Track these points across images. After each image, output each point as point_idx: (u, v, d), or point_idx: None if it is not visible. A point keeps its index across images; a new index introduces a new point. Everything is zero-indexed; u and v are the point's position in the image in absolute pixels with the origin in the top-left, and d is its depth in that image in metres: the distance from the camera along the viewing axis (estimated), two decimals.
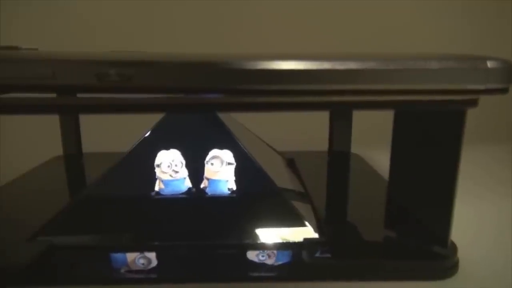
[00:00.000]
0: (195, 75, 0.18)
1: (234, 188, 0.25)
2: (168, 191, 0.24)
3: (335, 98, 0.18)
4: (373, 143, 0.39)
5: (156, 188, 0.24)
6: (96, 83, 0.18)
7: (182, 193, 0.24)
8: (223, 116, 0.26)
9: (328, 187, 0.32)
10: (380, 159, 0.36)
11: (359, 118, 0.37)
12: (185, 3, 0.52)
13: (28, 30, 0.51)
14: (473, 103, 0.19)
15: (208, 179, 0.24)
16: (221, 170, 0.24)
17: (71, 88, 0.19)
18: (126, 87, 0.18)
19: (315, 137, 0.39)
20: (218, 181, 0.24)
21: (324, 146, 0.39)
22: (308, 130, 0.41)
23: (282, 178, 0.28)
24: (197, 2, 0.52)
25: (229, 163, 0.25)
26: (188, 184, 0.24)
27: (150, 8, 0.52)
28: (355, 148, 0.39)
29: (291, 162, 0.35)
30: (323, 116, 0.37)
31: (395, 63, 0.17)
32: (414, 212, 0.22)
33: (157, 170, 0.24)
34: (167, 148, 0.25)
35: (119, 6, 0.52)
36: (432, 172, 0.21)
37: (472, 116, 0.20)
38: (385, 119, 0.30)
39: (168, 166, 0.24)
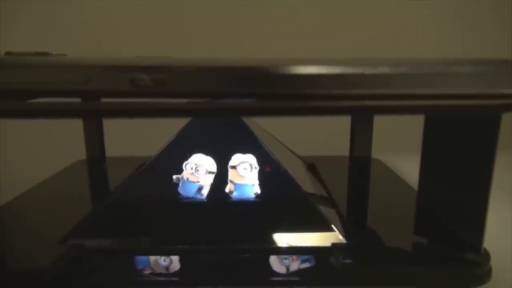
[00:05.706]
0: (228, 80, 0.18)
1: (259, 192, 0.25)
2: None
3: (367, 103, 0.18)
4: (393, 149, 0.38)
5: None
6: (129, 88, 0.18)
7: (208, 197, 0.24)
8: (245, 119, 0.26)
9: (352, 192, 0.32)
10: (401, 165, 0.36)
11: (379, 123, 0.36)
12: (193, 8, 0.52)
13: (27, 33, 0.51)
14: (509, 108, 0.18)
15: (234, 183, 0.24)
16: (250, 174, 0.24)
17: (103, 93, 0.19)
18: (159, 92, 0.18)
19: (335, 142, 0.38)
20: (245, 185, 0.24)
21: (344, 151, 0.39)
22: (328, 135, 0.41)
23: (306, 182, 0.28)
24: (206, 7, 0.52)
25: (256, 168, 0.25)
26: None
27: (159, 12, 0.52)
28: (374, 154, 0.38)
29: (312, 166, 0.35)
30: (343, 121, 0.37)
31: (429, 67, 0.17)
32: (446, 219, 0.22)
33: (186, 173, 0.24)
34: (193, 153, 0.25)
35: (125, 9, 0.52)
36: (465, 178, 0.21)
37: (505, 120, 0.19)
38: (405, 125, 0.29)
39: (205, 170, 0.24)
